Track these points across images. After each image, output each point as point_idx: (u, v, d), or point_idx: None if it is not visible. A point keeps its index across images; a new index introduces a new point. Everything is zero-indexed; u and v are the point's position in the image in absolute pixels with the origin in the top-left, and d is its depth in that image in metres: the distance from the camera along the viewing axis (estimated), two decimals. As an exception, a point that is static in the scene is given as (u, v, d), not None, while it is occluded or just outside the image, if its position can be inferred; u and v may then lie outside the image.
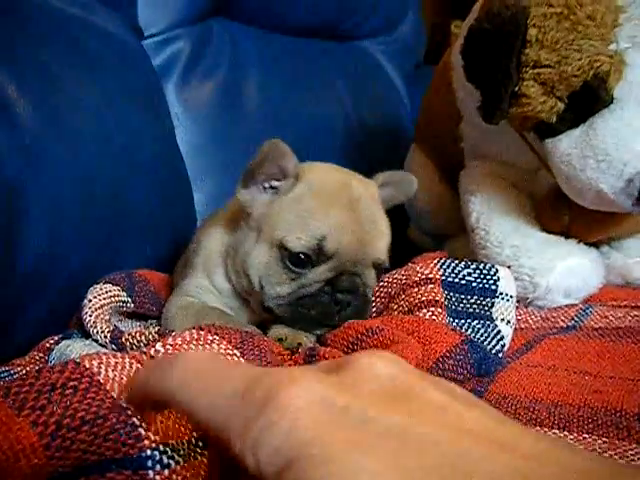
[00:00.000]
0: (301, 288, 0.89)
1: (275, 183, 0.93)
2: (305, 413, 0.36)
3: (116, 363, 0.55)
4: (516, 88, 0.99)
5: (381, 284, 0.98)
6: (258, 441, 0.36)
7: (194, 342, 0.65)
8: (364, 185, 0.96)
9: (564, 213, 1.12)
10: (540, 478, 0.34)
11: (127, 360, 0.57)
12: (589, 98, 0.96)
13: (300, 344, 0.86)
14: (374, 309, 0.98)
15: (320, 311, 0.88)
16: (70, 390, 0.49)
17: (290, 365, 0.74)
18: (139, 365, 0.58)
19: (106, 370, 0.53)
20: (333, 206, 0.89)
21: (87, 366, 0.52)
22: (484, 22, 1.00)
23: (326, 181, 0.93)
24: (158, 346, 0.63)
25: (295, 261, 0.88)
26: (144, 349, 0.62)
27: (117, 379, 0.53)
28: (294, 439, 0.35)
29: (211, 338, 0.67)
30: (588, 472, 0.34)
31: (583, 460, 0.35)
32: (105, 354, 0.56)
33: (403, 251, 1.20)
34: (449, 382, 0.42)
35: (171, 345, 0.64)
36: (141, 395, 0.46)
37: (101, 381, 0.51)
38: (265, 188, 0.93)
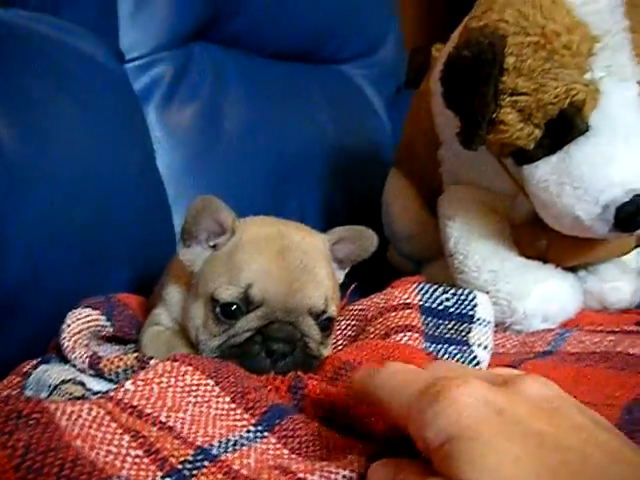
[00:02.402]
0: (231, 338, 0.85)
1: (217, 240, 0.92)
2: (469, 406, 0.47)
3: (72, 412, 0.56)
4: (494, 115, 1.00)
5: (359, 307, 0.98)
6: (429, 422, 0.47)
7: (166, 374, 0.66)
8: (306, 237, 0.93)
9: (542, 238, 1.13)
10: None
11: (86, 408, 0.58)
12: (565, 126, 0.97)
13: None
14: (352, 332, 0.98)
15: (251, 361, 0.82)
16: (33, 421, 0.51)
17: (271, 391, 0.73)
18: (101, 410, 0.58)
19: (60, 417, 0.54)
20: (261, 255, 0.88)
21: (46, 406, 0.53)
22: (463, 50, 1.02)
23: (258, 233, 0.91)
24: (128, 385, 0.64)
25: (224, 312, 0.86)
26: (110, 393, 0.63)
27: (69, 429, 0.54)
28: (456, 423, 0.46)
29: (184, 369, 0.67)
30: None
31: None
32: (64, 402, 0.56)
33: (382, 274, 1.21)
34: (594, 412, 0.52)
35: (142, 381, 0.64)
36: (359, 392, 0.61)
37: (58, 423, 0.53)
38: (207, 246, 0.93)
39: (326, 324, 0.90)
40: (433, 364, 0.59)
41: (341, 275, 1.00)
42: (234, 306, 0.86)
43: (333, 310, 0.90)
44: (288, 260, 0.88)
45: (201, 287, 0.91)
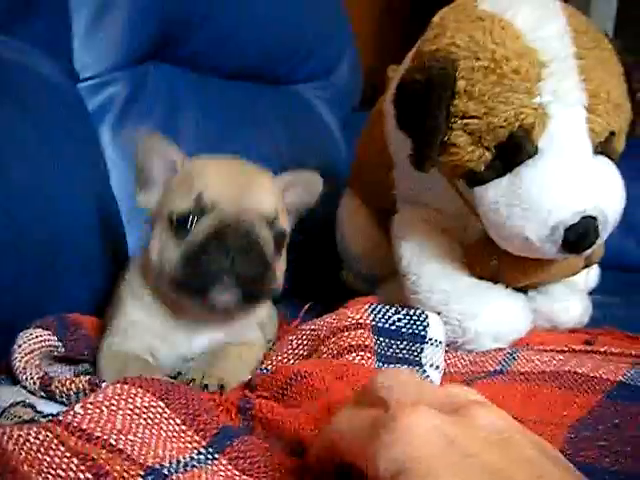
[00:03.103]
0: (189, 246, 0.89)
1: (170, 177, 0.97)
2: (420, 436, 0.46)
3: (19, 436, 0.55)
4: (445, 137, 1.01)
5: (311, 327, 0.99)
6: (380, 453, 0.47)
7: (116, 397, 0.65)
8: (257, 168, 0.99)
9: (493, 259, 1.15)
10: None
11: (33, 432, 0.57)
12: (515, 148, 0.99)
13: (223, 386, 0.87)
14: (304, 351, 0.98)
15: (209, 264, 0.87)
16: None
17: (222, 412, 0.73)
18: (49, 434, 0.58)
19: (7, 442, 0.53)
20: (211, 167, 0.94)
21: None
22: (415, 73, 1.04)
23: (209, 159, 0.99)
24: (77, 408, 0.63)
25: (179, 225, 0.90)
26: (59, 417, 0.62)
27: (16, 453, 0.53)
28: (407, 454, 0.45)
29: (134, 392, 0.66)
30: None
31: None
32: (11, 426, 0.56)
33: (336, 294, 1.21)
34: (545, 442, 0.51)
35: (92, 404, 0.63)
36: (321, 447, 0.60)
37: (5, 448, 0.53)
38: (162, 187, 0.97)
39: (279, 238, 0.94)
40: (385, 373, 0.58)
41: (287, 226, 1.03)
42: (189, 216, 0.89)
43: (285, 225, 0.96)
44: (239, 171, 0.95)
45: (159, 216, 0.95)
